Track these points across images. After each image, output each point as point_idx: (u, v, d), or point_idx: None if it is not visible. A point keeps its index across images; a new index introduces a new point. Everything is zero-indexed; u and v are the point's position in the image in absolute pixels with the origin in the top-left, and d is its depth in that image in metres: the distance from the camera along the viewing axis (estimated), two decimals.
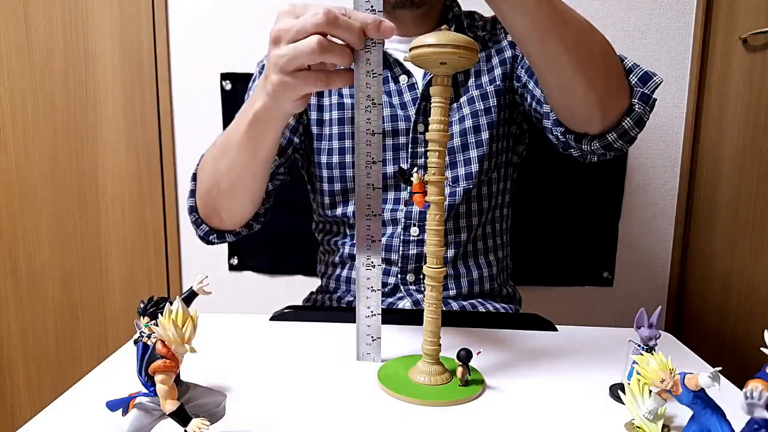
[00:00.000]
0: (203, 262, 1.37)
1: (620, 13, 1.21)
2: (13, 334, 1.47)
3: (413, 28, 0.82)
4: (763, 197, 1.01)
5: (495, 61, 0.82)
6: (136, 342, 0.38)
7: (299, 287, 1.34)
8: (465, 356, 0.49)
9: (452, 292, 0.82)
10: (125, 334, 1.42)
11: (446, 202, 0.78)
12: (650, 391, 0.39)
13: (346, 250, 0.85)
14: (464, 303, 0.83)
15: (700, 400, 0.35)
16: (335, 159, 0.82)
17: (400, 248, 0.80)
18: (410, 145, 0.80)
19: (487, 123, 0.80)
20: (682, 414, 0.44)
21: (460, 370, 0.50)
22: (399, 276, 0.81)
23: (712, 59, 1.19)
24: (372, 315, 0.54)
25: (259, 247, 1.33)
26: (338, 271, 0.87)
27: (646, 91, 0.63)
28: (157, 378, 0.35)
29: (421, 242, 0.80)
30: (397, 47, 0.82)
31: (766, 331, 0.31)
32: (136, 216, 1.39)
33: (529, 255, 1.24)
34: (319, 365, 0.55)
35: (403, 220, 0.80)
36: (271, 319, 0.71)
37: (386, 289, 0.82)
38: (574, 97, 0.61)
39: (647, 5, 1.22)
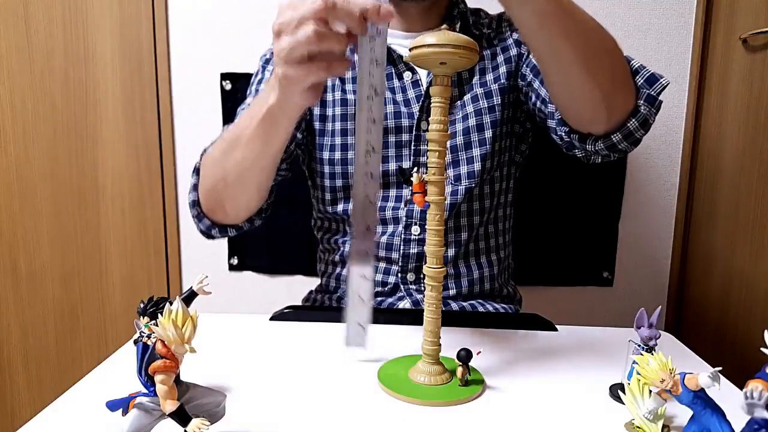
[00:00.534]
0: (203, 262, 1.37)
1: (620, 13, 1.21)
2: (13, 334, 1.47)
3: (419, 23, 0.82)
4: (763, 197, 1.01)
5: (500, 59, 0.82)
6: (136, 342, 0.38)
7: (299, 287, 1.34)
8: (465, 356, 0.49)
9: (452, 292, 0.82)
10: (125, 334, 1.42)
11: (448, 201, 0.78)
12: (650, 391, 0.39)
13: (347, 249, 0.85)
14: (464, 304, 0.83)
15: (700, 400, 0.35)
16: (337, 155, 0.82)
17: (401, 247, 0.80)
18: (413, 143, 0.80)
19: (491, 121, 0.80)
20: (682, 414, 0.44)
21: (460, 370, 0.50)
22: (399, 275, 0.81)
23: (712, 59, 1.19)
24: (363, 303, 0.53)
25: (259, 247, 1.33)
26: (338, 270, 0.87)
27: (653, 92, 0.62)
28: (157, 378, 0.35)
29: (422, 241, 0.80)
30: (401, 43, 0.81)
31: (766, 331, 0.31)
32: (136, 216, 1.39)
33: (529, 255, 1.24)
34: (319, 365, 0.55)
35: (404, 218, 0.80)
36: (271, 319, 0.71)
37: (386, 289, 0.81)
38: (579, 94, 0.61)
39: (647, 5, 1.22)
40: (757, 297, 1.03)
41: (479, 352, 0.51)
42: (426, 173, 0.50)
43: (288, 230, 1.29)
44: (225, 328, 0.65)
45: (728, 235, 1.12)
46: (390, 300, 0.82)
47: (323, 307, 0.87)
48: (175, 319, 0.35)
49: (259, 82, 0.84)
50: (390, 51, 0.80)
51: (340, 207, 0.84)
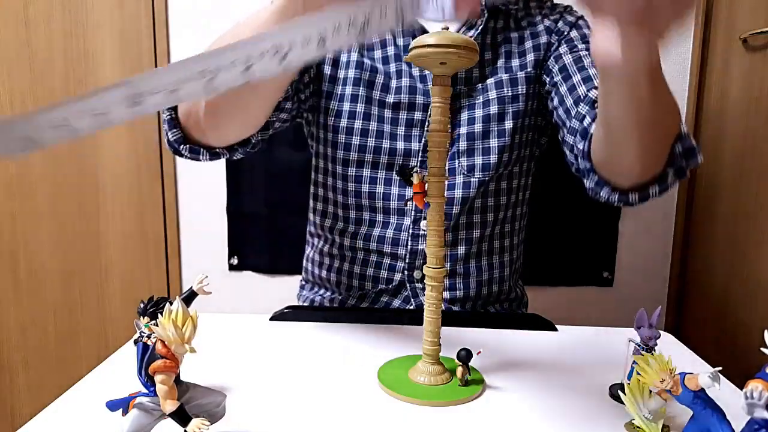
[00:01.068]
0: (203, 262, 1.37)
1: None
2: (13, 334, 1.47)
3: None
4: (764, 197, 1.01)
5: (528, 44, 0.77)
6: (136, 342, 0.38)
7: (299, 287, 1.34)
8: (465, 356, 0.49)
9: (460, 293, 0.79)
10: (125, 334, 1.42)
11: (459, 194, 0.76)
12: (650, 391, 0.39)
13: (346, 241, 0.80)
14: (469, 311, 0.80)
15: (700, 400, 0.35)
16: (344, 122, 0.77)
17: (408, 242, 0.77)
18: (426, 122, 0.75)
19: (513, 112, 0.75)
20: (682, 414, 0.44)
21: (460, 370, 0.50)
22: (405, 272, 0.78)
23: (712, 59, 1.19)
24: None
25: (259, 247, 1.33)
26: (335, 263, 0.83)
27: (685, 166, 0.57)
28: (157, 378, 0.35)
29: None
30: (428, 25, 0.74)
31: (766, 331, 0.31)
32: (136, 216, 1.39)
33: (529, 255, 1.24)
34: (319, 365, 0.55)
35: (412, 212, 0.76)
36: (271, 319, 0.71)
37: (390, 287, 0.79)
38: (621, 161, 0.57)
39: None
40: (757, 297, 1.03)
41: (479, 352, 0.51)
42: (427, 173, 0.50)
43: (288, 230, 1.29)
44: (225, 328, 0.65)
45: (728, 235, 1.12)
46: (396, 302, 0.79)
47: (323, 308, 0.87)
48: (175, 319, 0.35)
49: None
50: None
51: (351, 186, 0.78)
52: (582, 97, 0.67)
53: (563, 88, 0.71)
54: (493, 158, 0.75)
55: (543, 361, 0.57)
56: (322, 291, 0.88)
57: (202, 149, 0.66)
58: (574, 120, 0.67)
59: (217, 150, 0.67)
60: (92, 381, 0.51)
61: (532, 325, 0.68)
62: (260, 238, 1.32)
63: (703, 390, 0.35)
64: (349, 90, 0.77)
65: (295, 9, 0.49)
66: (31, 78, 1.33)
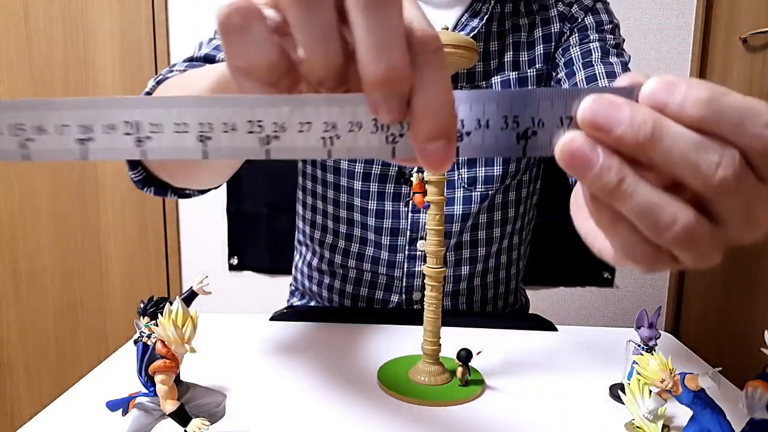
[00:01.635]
0: (203, 262, 1.37)
1: (620, 13, 1.20)
2: (13, 334, 1.47)
3: None
4: None
5: (538, 33, 0.69)
6: (136, 342, 0.38)
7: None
8: (465, 356, 0.49)
9: (463, 308, 0.74)
10: (125, 334, 1.42)
11: (459, 210, 0.68)
12: (650, 391, 0.39)
13: (337, 258, 0.73)
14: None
15: (700, 400, 0.35)
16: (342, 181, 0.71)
17: (405, 264, 0.71)
18: None
19: None
20: (682, 414, 0.44)
21: (460, 370, 0.50)
22: (404, 296, 0.72)
23: (712, 59, 1.19)
24: None
25: (259, 247, 1.33)
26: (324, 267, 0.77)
27: None
28: (157, 378, 0.35)
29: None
30: (431, 12, 0.66)
31: (766, 331, 0.31)
32: (136, 216, 1.39)
33: (529, 255, 1.24)
34: (319, 365, 0.55)
35: (408, 232, 0.70)
36: (271, 319, 0.71)
37: (388, 307, 0.73)
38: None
39: (647, 5, 1.22)
40: (757, 297, 1.03)
41: (479, 352, 0.50)
42: (426, 173, 0.50)
43: (288, 230, 1.29)
44: (225, 328, 0.65)
45: None
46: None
47: (323, 308, 0.86)
48: (175, 319, 0.35)
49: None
50: None
51: (352, 200, 0.70)
52: None
53: (566, 86, 0.65)
54: (497, 170, 0.67)
55: (543, 361, 0.57)
56: (312, 303, 0.84)
57: (169, 190, 0.57)
58: None
59: (188, 191, 0.58)
60: (92, 381, 0.51)
61: (532, 325, 0.68)
62: (260, 238, 1.32)
63: (703, 390, 0.35)
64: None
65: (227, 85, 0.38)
66: (31, 78, 1.33)
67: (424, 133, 0.19)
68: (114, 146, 0.20)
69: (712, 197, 0.18)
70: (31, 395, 1.51)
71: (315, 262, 0.79)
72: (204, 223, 1.36)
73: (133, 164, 0.54)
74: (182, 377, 0.38)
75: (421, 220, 0.69)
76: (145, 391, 0.37)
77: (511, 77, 0.68)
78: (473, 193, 0.68)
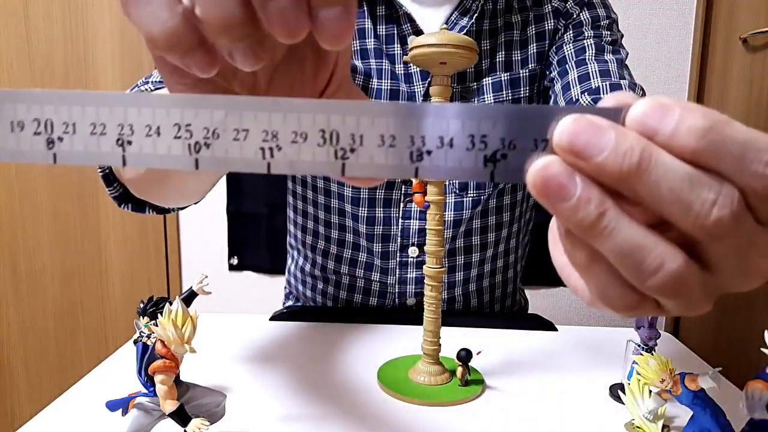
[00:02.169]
0: (203, 262, 1.37)
1: (620, 13, 1.21)
2: (13, 334, 1.47)
3: None
4: None
5: (531, 31, 0.66)
6: (135, 342, 0.38)
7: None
8: (465, 356, 0.49)
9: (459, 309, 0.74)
10: (125, 334, 1.42)
11: (451, 217, 0.67)
12: (650, 391, 0.39)
13: (329, 264, 0.71)
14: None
15: (700, 400, 0.35)
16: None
17: (397, 271, 0.70)
18: None
19: None
20: (682, 414, 0.44)
21: (460, 370, 0.50)
22: (397, 301, 0.71)
23: (712, 59, 1.19)
24: None
25: (259, 247, 1.33)
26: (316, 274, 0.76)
27: None
28: (157, 378, 0.35)
29: (421, 264, 0.68)
30: (420, 10, 0.65)
31: (766, 331, 0.31)
32: (136, 216, 1.39)
33: (529, 255, 1.24)
34: (319, 365, 0.55)
35: (399, 239, 0.68)
36: (271, 319, 0.71)
37: (381, 316, 0.72)
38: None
39: (647, 5, 1.22)
40: (758, 297, 1.03)
41: (479, 352, 0.50)
42: None
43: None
44: (225, 328, 0.65)
45: None
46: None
47: (323, 307, 0.86)
48: (174, 319, 0.35)
49: None
50: (394, 5, 0.63)
51: (344, 206, 0.68)
52: (573, 101, 0.60)
53: (558, 86, 0.63)
54: None
55: (543, 361, 0.57)
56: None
57: (147, 207, 0.55)
58: None
59: (167, 207, 0.57)
60: (92, 381, 0.51)
61: (532, 325, 0.68)
62: (260, 238, 1.32)
63: (703, 390, 0.35)
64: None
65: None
66: (31, 78, 1.33)
67: None
68: (20, 148, 0.17)
69: (705, 240, 0.16)
70: (31, 395, 1.51)
71: (308, 267, 0.77)
72: (204, 223, 1.36)
73: (109, 180, 0.52)
74: (182, 377, 0.38)
75: (411, 227, 0.68)
76: (144, 391, 0.37)
77: (502, 78, 0.65)
78: (464, 199, 0.67)
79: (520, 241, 0.75)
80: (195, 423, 0.34)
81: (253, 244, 1.34)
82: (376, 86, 0.65)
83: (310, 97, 0.26)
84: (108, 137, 0.17)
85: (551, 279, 1.29)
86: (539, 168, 0.16)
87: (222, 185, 1.32)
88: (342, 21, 0.18)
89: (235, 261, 1.35)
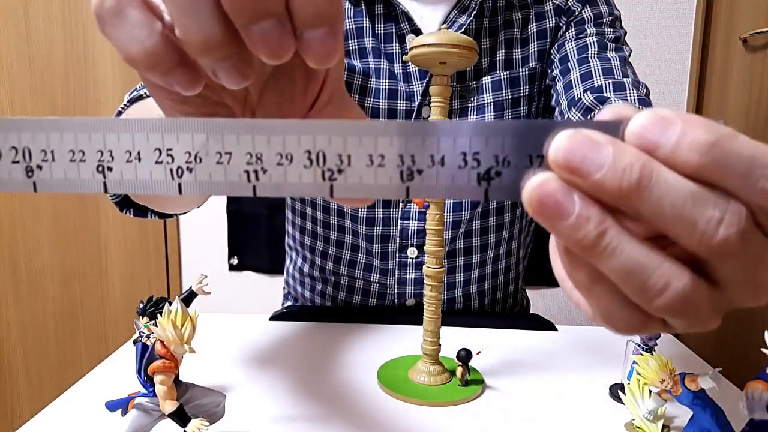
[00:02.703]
0: (203, 262, 1.38)
1: (620, 13, 1.21)
2: (13, 334, 1.47)
3: None
4: None
5: (532, 29, 0.65)
6: (135, 342, 0.38)
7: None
8: (465, 356, 0.49)
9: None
10: (125, 334, 1.42)
11: (450, 217, 0.67)
12: (650, 391, 0.39)
13: (327, 264, 0.71)
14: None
15: (700, 400, 0.35)
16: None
17: (396, 272, 0.69)
18: None
19: (513, 118, 0.64)
20: (682, 414, 0.44)
21: (460, 370, 0.50)
22: (396, 302, 0.71)
23: (712, 59, 1.19)
24: None
25: (259, 247, 1.33)
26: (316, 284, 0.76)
27: None
28: (157, 378, 0.35)
29: (420, 265, 0.68)
30: (418, 9, 0.64)
31: (766, 331, 0.31)
32: None
33: (529, 255, 1.24)
34: (319, 365, 0.55)
35: (398, 239, 0.68)
36: (271, 319, 0.71)
37: (380, 317, 0.71)
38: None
39: (647, 5, 1.22)
40: None
41: (479, 352, 0.50)
42: None
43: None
44: (225, 328, 0.65)
45: None
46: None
47: (323, 307, 0.86)
48: (174, 320, 0.35)
49: None
50: (392, 3, 0.62)
51: (342, 206, 0.67)
52: (576, 100, 0.59)
53: (560, 85, 0.62)
54: None
55: (543, 361, 0.57)
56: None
57: (150, 212, 0.55)
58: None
59: (167, 212, 0.57)
60: (92, 381, 0.51)
61: (532, 325, 0.68)
62: (260, 238, 1.32)
63: (703, 390, 0.35)
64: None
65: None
66: (31, 78, 1.33)
67: (302, 17, 0.17)
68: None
69: (712, 259, 0.15)
70: (31, 395, 1.51)
71: (306, 268, 0.77)
72: (204, 222, 1.36)
73: None
74: (182, 377, 0.38)
75: (410, 227, 0.67)
76: (144, 391, 0.37)
77: (502, 77, 0.64)
78: (464, 200, 0.66)
79: (522, 241, 0.75)
80: (194, 423, 0.34)
81: (253, 244, 1.34)
82: (374, 85, 0.64)
83: (302, 107, 0.26)
84: (88, 164, 0.17)
85: (552, 279, 1.29)
86: (535, 185, 0.15)
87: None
88: (328, 41, 0.17)
89: (235, 261, 1.35)
